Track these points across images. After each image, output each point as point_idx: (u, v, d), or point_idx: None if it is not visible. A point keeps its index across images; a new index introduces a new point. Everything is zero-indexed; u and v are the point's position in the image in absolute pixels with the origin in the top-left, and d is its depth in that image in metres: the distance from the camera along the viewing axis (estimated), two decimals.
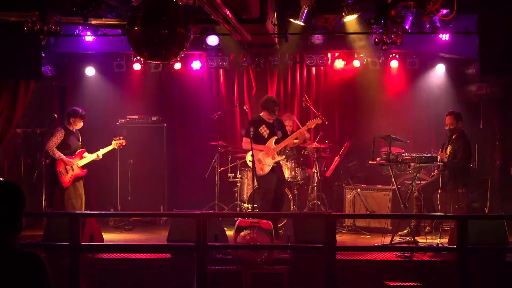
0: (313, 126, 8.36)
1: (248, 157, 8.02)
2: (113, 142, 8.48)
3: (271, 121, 8.06)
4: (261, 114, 8.08)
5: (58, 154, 8.02)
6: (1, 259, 2.57)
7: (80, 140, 8.35)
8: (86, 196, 8.51)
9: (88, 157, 8.26)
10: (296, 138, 8.23)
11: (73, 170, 8.10)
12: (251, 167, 7.93)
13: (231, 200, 9.02)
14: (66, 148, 8.12)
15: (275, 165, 7.98)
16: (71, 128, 8.21)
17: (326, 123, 8.81)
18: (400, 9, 5.61)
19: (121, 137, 8.60)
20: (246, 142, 7.97)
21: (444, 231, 7.47)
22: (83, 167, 8.21)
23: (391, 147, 7.59)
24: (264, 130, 8.03)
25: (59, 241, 6.22)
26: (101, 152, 8.34)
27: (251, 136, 7.80)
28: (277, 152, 8.01)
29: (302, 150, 9.03)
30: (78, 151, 8.23)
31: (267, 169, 7.93)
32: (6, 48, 7.13)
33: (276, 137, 8.03)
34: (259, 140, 7.96)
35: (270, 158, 7.95)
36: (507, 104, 8.71)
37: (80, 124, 8.24)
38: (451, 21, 7.73)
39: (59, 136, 8.07)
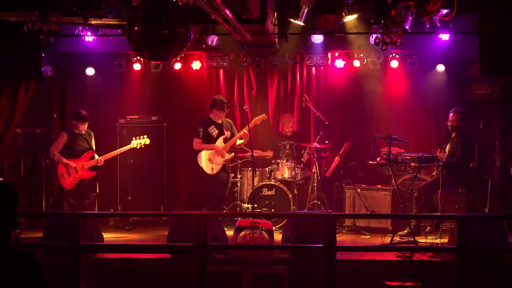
0: (259, 123, 8.53)
1: (203, 156, 8.22)
2: (132, 142, 8.43)
3: (220, 122, 8.32)
4: (210, 115, 8.35)
5: (58, 158, 7.96)
6: None
7: (91, 141, 8.26)
8: None
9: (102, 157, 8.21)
10: (241, 138, 8.39)
11: (77, 172, 8.02)
12: (203, 167, 8.22)
13: (231, 200, 9.02)
14: (71, 152, 8.05)
15: (225, 163, 8.27)
16: (76, 131, 8.15)
17: (326, 123, 8.83)
18: (400, 9, 5.59)
19: (145, 136, 8.50)
20: (196, 143, 8.28)
21: (444, 231, 7.47)
22: (91, 169, 8.14)
23: (391, 147, 7.59)
24: (213, 130, 8.29)
25: (59, 241, 6.22)
26: (118, 152, 8.36)
27: (201, 136, 8.21)
28: (226, 151, 8.25)
29: (302, 150, 9.04)
30: (85, 153, 8.15)
31: (218, 168, 8.20)
32: (6, 48, 7.13)
33: (225, 137, 8.27)
34: (209, 140, 8.26)
35: (220, 157, 8.22)
36: (507, 104, 8.71)
37: (83, 127, 8.14)
38: (451, 21, 7.72)
39: (60, 141, 8.03)
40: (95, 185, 8.32)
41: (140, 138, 8.48)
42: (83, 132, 8.18)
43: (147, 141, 8.50)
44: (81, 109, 8.32)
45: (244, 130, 8.28)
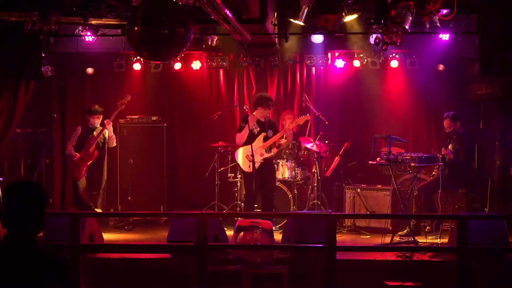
0: (301, 123, 8.35)
1: (241, 153, 8.04)
2: (118, 105, 8.50)
3: (263, 120, 8.11)
4: (254, 113, 8.15)
5: (67, 151, 8.27)
6: (25, 257, 2.64)
7: (105, 135, 8.38)
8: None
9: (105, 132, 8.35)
10: (285, 138, 8.25)
11: (82, 160, 8.18)
12: (240, 164, 8.07)
13: (231, 200, 9.02)
14: (81, 146, 8.25)
15: (263, 161, 8.00)
16: (90, 126, 8.36)
17: (326, 123, 8.82)
18: (400, 9, 5.60)
19: (127, 95, 8.54)
20: (238, 137, 8.09)
21: (444, 231, 7.48)
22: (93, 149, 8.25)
23: (391, 147, 7.59)
24: (255, 127, 8.06)
25: (59, 241, 6.22)
26: (111, 118, 8.43)
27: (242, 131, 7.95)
28: (265, 149, 8.02)
29: (302, 151, 9.04)
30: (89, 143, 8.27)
31: (256, 165, 7.89)
32: (6, 48, 7.13)
33: (265, 135, 8.06)
34: (250, 137, 8.00)
35: (258, 155, 7.96)
36: (507, 104, 8.70)
37: (96, 121, 8.35)
38: (451, 21, 7.72)
39: (74, 135, 8.32)
40: (101, 171, 8.42)
41: (124, 98, 8.52)
42: (96, 127, 8.34)
43: (128, 97, 8.52)
44: (93, 104, 8.54)
45: (286, 130, 8.18)
